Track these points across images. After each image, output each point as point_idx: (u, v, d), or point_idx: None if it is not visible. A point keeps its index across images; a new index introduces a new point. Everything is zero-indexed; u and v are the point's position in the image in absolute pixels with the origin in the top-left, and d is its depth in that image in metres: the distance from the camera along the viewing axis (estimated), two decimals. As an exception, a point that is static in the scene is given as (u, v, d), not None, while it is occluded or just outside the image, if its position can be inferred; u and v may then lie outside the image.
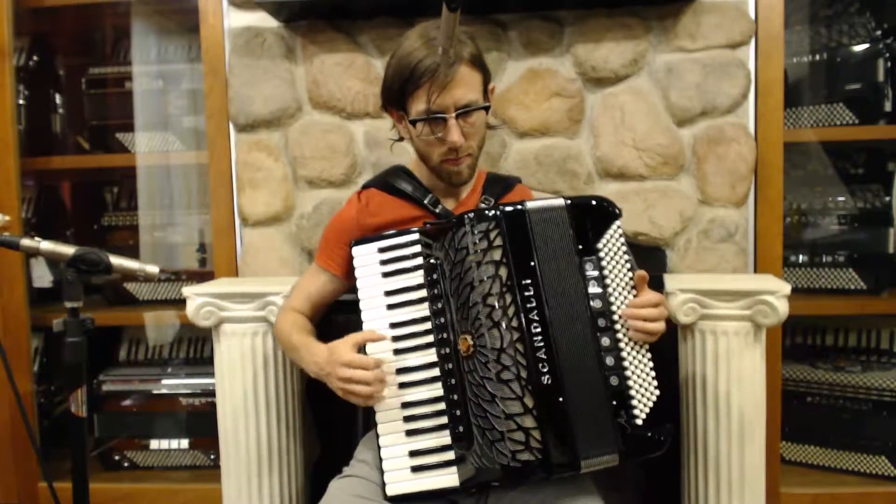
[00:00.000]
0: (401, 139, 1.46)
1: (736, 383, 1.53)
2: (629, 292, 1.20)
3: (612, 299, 1.18)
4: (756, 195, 1.82)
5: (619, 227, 1.21)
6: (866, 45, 1.91)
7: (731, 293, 1.53)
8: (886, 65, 1.89)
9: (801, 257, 2.00)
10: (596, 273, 1.18)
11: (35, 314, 2.07)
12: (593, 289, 1.17)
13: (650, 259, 1.83)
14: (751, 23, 1.79)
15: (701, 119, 1.82)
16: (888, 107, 1.90)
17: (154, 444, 2.10)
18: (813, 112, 1.96)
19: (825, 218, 1.98)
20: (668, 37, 1.81)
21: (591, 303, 1.17)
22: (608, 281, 1.18)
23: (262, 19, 1.89)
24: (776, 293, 1.49)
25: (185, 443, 2.09)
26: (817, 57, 1.97)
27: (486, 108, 1.32)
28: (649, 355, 1.19)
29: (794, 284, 1.98)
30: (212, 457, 2.08)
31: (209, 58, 1.93)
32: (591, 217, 1.20)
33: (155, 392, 2.09)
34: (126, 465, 2.11)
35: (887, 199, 1.94)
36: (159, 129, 2.19)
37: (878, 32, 1.90)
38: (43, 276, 2.20)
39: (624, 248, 1.21)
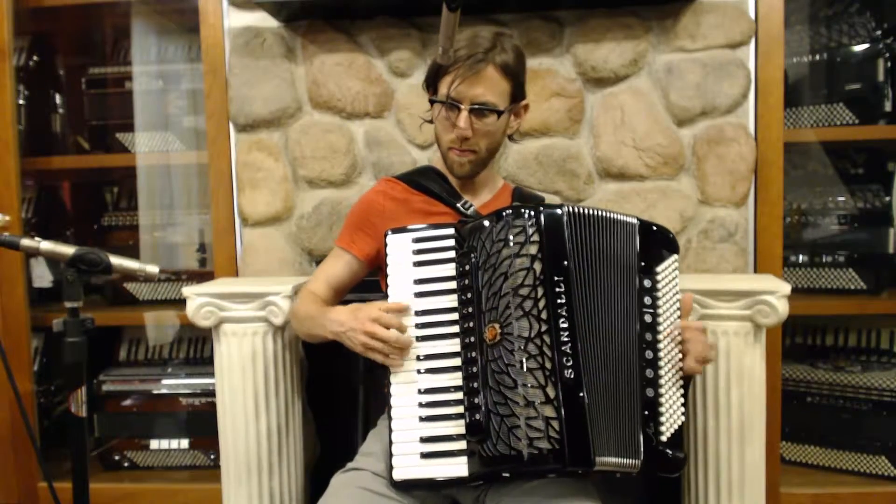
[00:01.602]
0: (430, 121, 1.49)
1: (736, 383, 1.53)
2: (676, 319, 1.26)
3: (660, 319, 1.23)
4: (756, 195, 1.82)
5: (676, 259, 1.28)
6: (866, 45, 1.91)
7: (731, 293, 1.53)
8: (886, 65, 1.89)
9: (801, 257, 2.00)
10: (652, 292, 1.23)
11: (35, 314, 2.07)
12: (647, 304, 1.23)
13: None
14: (751, 23, 1.79)
15: (701, 119, 1.82)
16: (888, 107, 1.90)
17: (154, 444, 2.09)
18: (813, 112, 1.96)
19: (825, 218, 1.98)
20: (668, 37, 1.81)
21: (644, 317, 1.22)
22: (660, 302, 1.23)
23: (262, 19, 1.89)
24: (776, 293, 1.49)
25: (185, 443, 2.09)
26: (817, 57, 1.97)
27: (499, 113, 1.36)
28: (682, 382, 1.23)
29: (794, 284, 1.98)
30: (212, 457, 2.08)
31: (209, 58, 1.93)
32: (657, 242, 1.27)
33: (155, 392, 2.09)
34: (126, 465, 2.10)
35: (887, 199, 1.94)
36: (159, 129, 2.19)
37: (878, 32, 1.90)
38: (43, 276, 2.19)
39: (677, 280, 1.27)
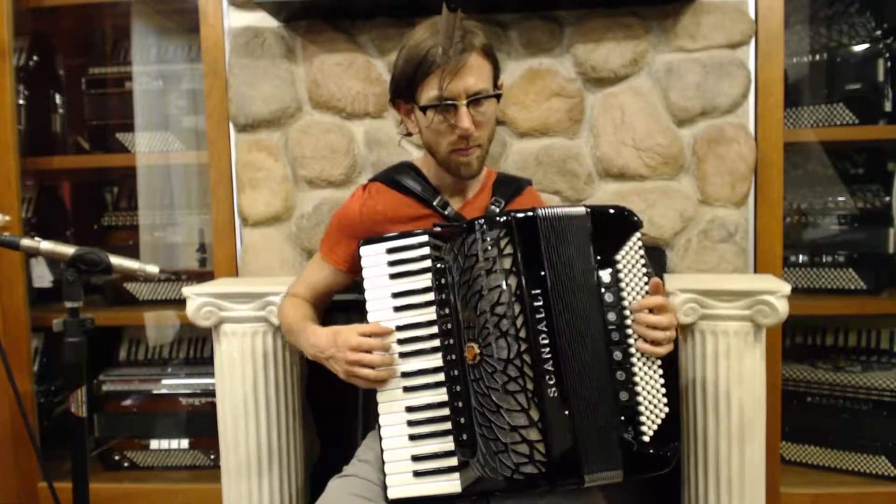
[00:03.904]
0: (409, 134, 1.44)
1: (736, 383, 1.53)
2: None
3: (626, 313, 1.15)
4: (756, 195, 1.82)
5: (638, 238, 1.19)
6: (866, 45, 1.91)
7: (731, 293, 1.53)
8: (886, 65, 1.89)
9: (801, 257, 2.00)
10: (613, 285, 1.15)
11: (35, 314, 2.07)
12: (609, 301, 1.15)
13: (650, 259, 1.82)
14: (751, 23, 1.79)
15: (701, 119, 1.82)
16: (888, 107, 1.89)
17: (154, 444, 2.10)
18: (813, 112, 1.96)
19: (825, 218, 1.98)
20: (668, 37, 1.81)
21: (607, 315, 1.14)
22: (624, 294, 1.16)
23: (262, 19, 1.89)
24: (776, 293, 1.49)
25: (185, 443, 2.09)
26: (817, 57, 1.97)
27: (498, 97, 1.31)
28: (661, 371, 1.16)
29: (794, 284, 1.98)
30: (212, 457, 2.08)
31: (209, 58, 1.93)
32: (612, 227, 1.18)
33: (155, 392, 2.09)
34: (126, 465, 2.10)
35: (887, 199, 1.93)
36: (159, 129, 2.19)
37: (878, 32, 1.90)
38: (43, 276, 2.20)
39: (643, 261, 1.18)
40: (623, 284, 1.16)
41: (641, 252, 1.19)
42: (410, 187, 1.40)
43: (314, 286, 1.49)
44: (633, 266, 1.18)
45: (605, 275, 1.15)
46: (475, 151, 1.33)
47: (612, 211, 1.20)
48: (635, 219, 1.20)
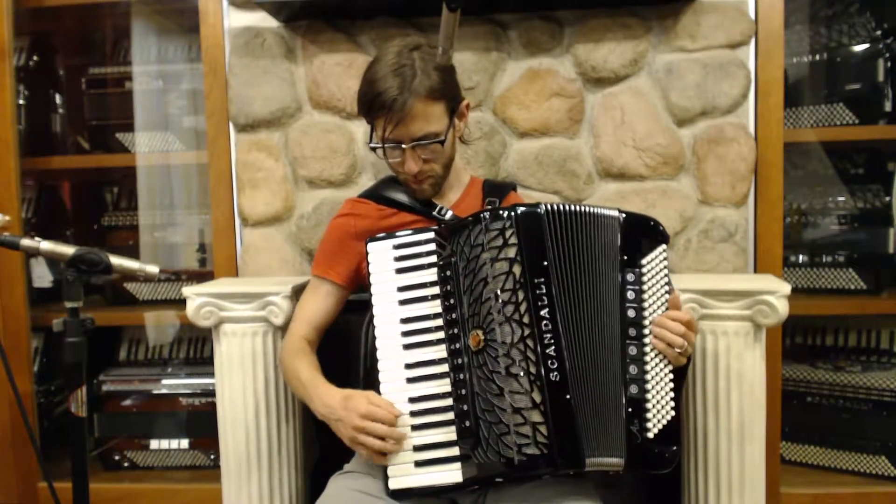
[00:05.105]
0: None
1: (736, 383, 1.53)
2: (665, 312, 1.23)
3: (645, 314, 1.21)
4: (756, 195, 1.82)
5: (664, 250, 1.25)
6: (866, 45, 1.91)
7: (731, 293, 1.53)
8: (886, 65, 1.89)
9: (801, 257, 2.00)
10: (635, 286, 1.21)
11: (35, 314, 2.07)
12: (630, 298, 1.21)
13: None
14: (751, 23, 1.79)
15: (701, 119, 1.82)
16: (888, 107, 1.90)
17: (154, 444, 2.10)
18: (813, 112, 1.96)
19: (825, 218, 1.98)
20: (668, 37, 1.81)
21: (626, 312, 1.20)
22: (645, 296, 1.21)
23: (262, 19, 1.89)
24: (776, 293, 1.49)
25: (185, 443, 2.09)
26: (817, 57, 1.97)
27: (441, 143, 1.33)
28: (671, 376, 1.21)
29: (794, 284, 1.98)
30: (212, 457, 2.08)
31: (209, 58, 1.93)
32: (641, 234, 1.24)
33: (155, 392, 2.09)
34: (126, 465, 2.10)
35: (887, 199, 1.94)
36: (159, 129, 2.19)
37: (878, 32, 1.90)
38: (43, 276, 2.20)
39: (666, 271, 1.24)
40: (646, 287, 1.21)
41: (666, 264, 1.24)
42: (401, 201, 1.45)
43: (314, 320, 1.46)
44: (657, 274, 1.23)
45: (630, 275, 1.21)
46: (427, 181, 1.40)
47: (643, 219, 1.27)
48: (661, 228, 1.26)
